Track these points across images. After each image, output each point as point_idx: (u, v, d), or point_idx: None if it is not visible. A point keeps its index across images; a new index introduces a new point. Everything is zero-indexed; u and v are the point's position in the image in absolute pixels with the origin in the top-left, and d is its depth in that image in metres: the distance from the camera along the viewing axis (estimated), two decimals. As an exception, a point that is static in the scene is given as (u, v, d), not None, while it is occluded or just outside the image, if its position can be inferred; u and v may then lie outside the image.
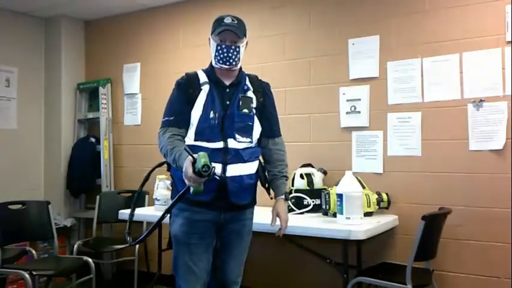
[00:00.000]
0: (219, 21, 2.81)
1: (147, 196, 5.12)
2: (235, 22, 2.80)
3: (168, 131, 2.77)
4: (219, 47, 2.79)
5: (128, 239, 2.93)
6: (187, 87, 2.82)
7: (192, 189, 2.49)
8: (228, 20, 2.78)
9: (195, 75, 2.88)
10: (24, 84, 5.80)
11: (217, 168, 2.64)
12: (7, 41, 5.64)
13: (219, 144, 2.72)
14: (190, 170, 2.41)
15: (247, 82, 2.93)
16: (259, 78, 3.03)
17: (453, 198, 3.78)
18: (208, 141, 2.73)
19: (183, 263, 2.79)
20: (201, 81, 2.84)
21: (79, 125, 6.01)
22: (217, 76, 2.86)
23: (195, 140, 2.75)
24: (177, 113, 2.80)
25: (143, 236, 2.77)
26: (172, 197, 2.98)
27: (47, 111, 5.99)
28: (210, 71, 2.89)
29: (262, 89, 2.96)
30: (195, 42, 5.06)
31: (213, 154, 2.62)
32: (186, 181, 2.47)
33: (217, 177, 2.63)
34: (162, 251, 4.37)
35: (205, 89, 2.82)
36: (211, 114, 2.75)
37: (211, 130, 2.74)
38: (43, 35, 5.99)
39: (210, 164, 2.38)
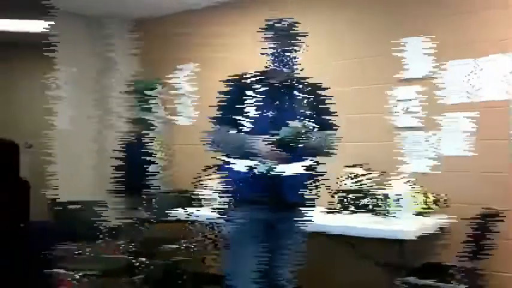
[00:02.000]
0: (272, 26, 2.84)
1: (198, 196, 5.14)
2: (290, 25, 2.82)
3: (222, 127, 2.84)
4: (274, 51, 2.81)
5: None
6: (240, 87, 2.86)
7: (266, 167, 2.66)
8: (282, 24, 2.82)
9: (248, 76, 2.91)
10: (77, 84, 5.89)
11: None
12: (61, 42, 5.70)
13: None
14: (267, 145, 2.59)
15: (298, 83, 2.93)
16: (308, 79, 3.01)
17: (510, 199, 3.68)
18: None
19: (234, 263, 2.81)
20: (254, 81, 2.87)
21: (131, 125, 6.11)
22: (270, 77, 2.88)
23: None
24: (230, 111, 2.84)
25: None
26: (222, 197, 3.00)
27: (99, 111, 6.10)
28: (263, 73, 2.91)
29: (313, 89, 2.96)
30: (250, 43, 5.06)
31: None
32: (266, 159, 2.64)
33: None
34: (213, 251, 4.41)
35: (259, 88, 2.84)
36: (264, 114, 2.78)
37: (264, 130, 2.72)
38: (96, 35, 6.08)
39: None
